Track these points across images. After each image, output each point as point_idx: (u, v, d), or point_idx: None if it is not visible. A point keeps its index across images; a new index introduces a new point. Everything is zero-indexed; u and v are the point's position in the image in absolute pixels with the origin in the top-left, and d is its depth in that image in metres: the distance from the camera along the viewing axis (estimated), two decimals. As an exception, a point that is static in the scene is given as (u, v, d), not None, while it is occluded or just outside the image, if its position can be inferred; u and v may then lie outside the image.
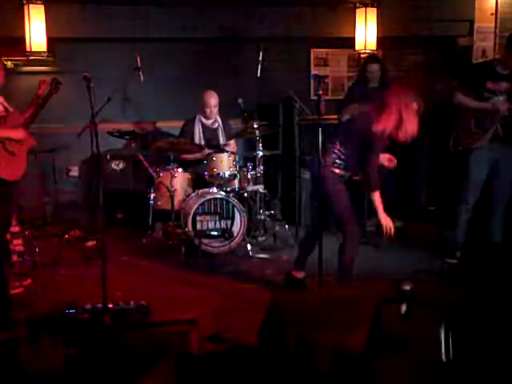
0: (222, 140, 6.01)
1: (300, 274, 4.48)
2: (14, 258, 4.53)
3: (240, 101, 5.91)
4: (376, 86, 6.13)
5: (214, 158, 5.47)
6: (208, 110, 5.87)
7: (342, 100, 6.42)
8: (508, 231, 5.05)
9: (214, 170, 5.45)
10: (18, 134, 3.91)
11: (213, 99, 5.86)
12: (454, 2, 6.81)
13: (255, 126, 5.67)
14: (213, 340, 3.47)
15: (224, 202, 5.34)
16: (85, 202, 6.53)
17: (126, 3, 6.47)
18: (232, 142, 6.07)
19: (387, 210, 6.25)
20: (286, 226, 5.87)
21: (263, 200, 5.91)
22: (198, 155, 5.79)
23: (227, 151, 5.62)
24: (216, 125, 6.03)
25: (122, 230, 6.09)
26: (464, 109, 4.86)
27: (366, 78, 6.16)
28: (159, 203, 5.59)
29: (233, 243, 5.34)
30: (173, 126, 6.58)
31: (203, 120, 5.95)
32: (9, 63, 6.17)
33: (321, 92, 3.68)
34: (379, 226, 4.09)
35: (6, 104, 4.02)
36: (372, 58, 6.37)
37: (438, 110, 5.98)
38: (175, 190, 5.47)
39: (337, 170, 4.06)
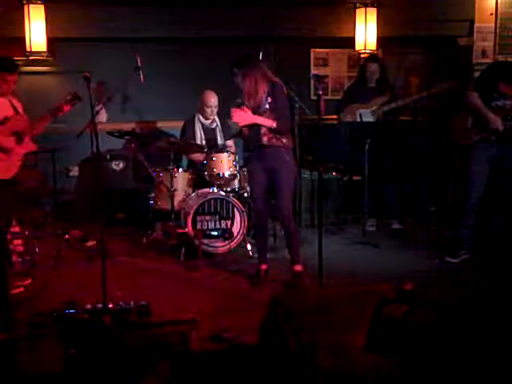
0: (219, 140, 6.00)
1: (298, 268, 4.54)
2: (14, 257, 4.53)
3: (240, 101, 5.90)
4: (375, 85, 6.13)
5: (213, 158, 5.46)
6: (209, 110, 5.87)
7: (340, 100, 6.41)
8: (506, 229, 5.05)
9: (214, 169, 5.44)
10: (9, 142, 3.91)
11: (213, 99, 5.86)
12: (454, 2, 6.81)
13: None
14: (213, 340, 3.47)
15: (224, 202, 5.34)
16: (85, 202, 6.52)
17: (126, 3, 6.47)
18: (231, 142, 6.06)
19: (387, 211, 6.23)
20: (286, 226, 5.85)
21: (263, 200, 5.89)
22: (200, 157, 5.77)
23: (227, 151, 5.62)
24: (214, 125, 6.02)
25: (121, 229, 6.08)
26: (467, 104, 4.84)
27: (365, 77, 6.15)
28: (159, 203, 5.58)
29: (233, 243, 5.34)
30: (173, 126, 6.58)
31: (202, 120, 5.95)
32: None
33: (321, 92, 3.68)
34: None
35: (20, 109, 4.02)
36: (371, 57, 6.36)
37: (440, 111, 5.98)
38: (175, 189, 5.46)
39: None
